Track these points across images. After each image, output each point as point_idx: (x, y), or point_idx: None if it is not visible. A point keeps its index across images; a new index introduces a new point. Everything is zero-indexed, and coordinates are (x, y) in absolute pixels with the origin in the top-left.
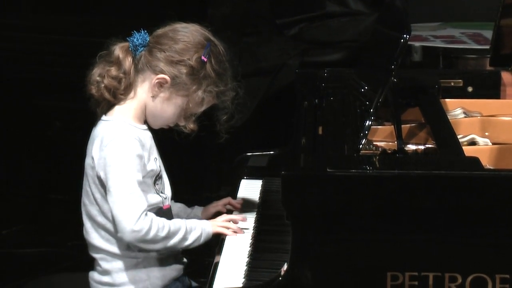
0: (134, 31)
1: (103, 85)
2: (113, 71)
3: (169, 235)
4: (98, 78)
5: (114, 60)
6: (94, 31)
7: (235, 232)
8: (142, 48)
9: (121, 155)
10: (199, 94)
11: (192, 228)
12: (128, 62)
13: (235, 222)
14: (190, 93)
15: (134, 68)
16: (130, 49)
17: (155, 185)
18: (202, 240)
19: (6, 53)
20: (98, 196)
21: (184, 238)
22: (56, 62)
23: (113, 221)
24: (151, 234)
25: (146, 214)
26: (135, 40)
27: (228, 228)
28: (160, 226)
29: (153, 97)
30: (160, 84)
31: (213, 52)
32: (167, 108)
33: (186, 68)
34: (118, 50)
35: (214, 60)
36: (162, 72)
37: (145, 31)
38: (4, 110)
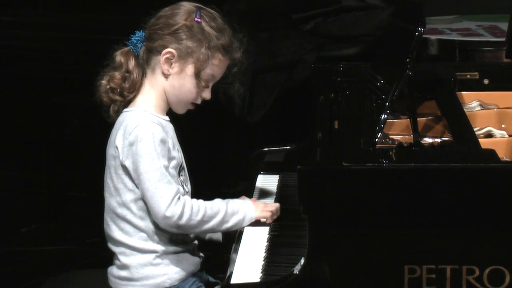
0: (131, 35)
1: (108, 87)
2: (117, 74)
3: (205, 219)
4: (104, 82)
5: (117, 65)
6: (111, 29)
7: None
8: (141, 43)
9: (146, 141)
10: (202, 51)
11: (234, 212)
12: (131, 63)
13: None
14: (197, 55)
15: (139, 64)
16: (131, 50)
17: (179, 176)
18: (244, 224)
19: (23, 52)
20: (120, 186)
21: (224, 221)
22: (73, 60)
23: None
24: (184, 219)
25: (178, 199)
26: (133, 39)
27: (272, 215)
28: (194, 210)
29: (166, 76)
30: (168, 60)
31: (205, 13)
32: (184, 82)
33: (184, 32)
34: (119, 55)
35: (208, 18)
36: (165, 47)
37: (140, 30)
38: (22, 108)
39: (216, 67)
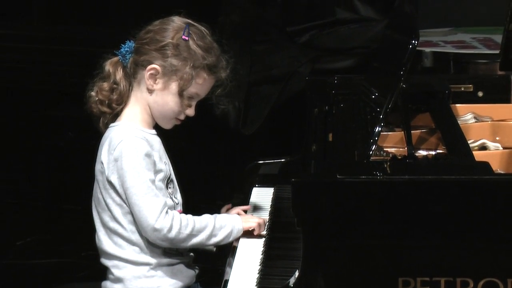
0: (121, 44)
1: (97, 99)
2: (105, 85)
3: (194, 232)
4: (93, 94)
5: (106, 75)
6: (105, 42)
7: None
8: (130, 54)
9: (131, 156)
10: (187, 70)
11: (222, 225)
12: (119, 73)
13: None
14: (181, 74)
15: (126, 76)
16: (120, 60)
17: (167, 189)
18: (232, 237)
19: (18, 64)
20: (109, 201)
21: (212, 235)
22: (68, 73)
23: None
24: (173, 232)
25: (166, 212)
26: (122, 50)
27: (259, 225)
28: (183, 224)
29: (150, 92)
30: (153, 76)
31: (194, 31)
32: (167, 98)
33: (170, 50)
34: (108, 65)
35: (196, 37)
36: (150, 63)
37: (131, 40)
38: (17, 120)
39: (200, 86)
